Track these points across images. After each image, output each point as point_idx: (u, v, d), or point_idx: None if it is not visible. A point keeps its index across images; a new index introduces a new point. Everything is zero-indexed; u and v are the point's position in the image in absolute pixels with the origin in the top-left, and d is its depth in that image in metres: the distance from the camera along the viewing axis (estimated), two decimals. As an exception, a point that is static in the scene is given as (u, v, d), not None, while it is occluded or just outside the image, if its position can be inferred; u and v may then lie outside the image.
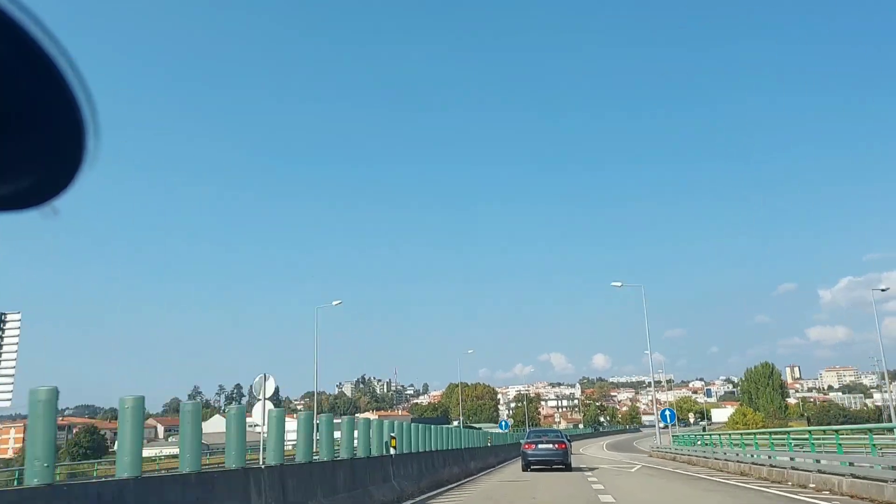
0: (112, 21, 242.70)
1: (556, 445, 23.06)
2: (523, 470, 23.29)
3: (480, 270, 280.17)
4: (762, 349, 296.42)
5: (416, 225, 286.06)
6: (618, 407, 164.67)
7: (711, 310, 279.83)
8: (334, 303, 45.24)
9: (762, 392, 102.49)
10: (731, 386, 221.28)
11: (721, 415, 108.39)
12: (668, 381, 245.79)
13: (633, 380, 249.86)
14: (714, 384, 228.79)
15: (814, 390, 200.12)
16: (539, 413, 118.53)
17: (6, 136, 1.02)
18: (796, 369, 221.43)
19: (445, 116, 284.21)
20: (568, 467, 23.08)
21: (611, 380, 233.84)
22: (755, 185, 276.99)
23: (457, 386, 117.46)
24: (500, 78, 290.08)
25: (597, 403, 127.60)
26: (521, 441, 25.33)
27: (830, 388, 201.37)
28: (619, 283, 42.02)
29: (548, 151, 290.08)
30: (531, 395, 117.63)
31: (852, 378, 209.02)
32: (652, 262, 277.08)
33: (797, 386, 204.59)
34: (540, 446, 23.14)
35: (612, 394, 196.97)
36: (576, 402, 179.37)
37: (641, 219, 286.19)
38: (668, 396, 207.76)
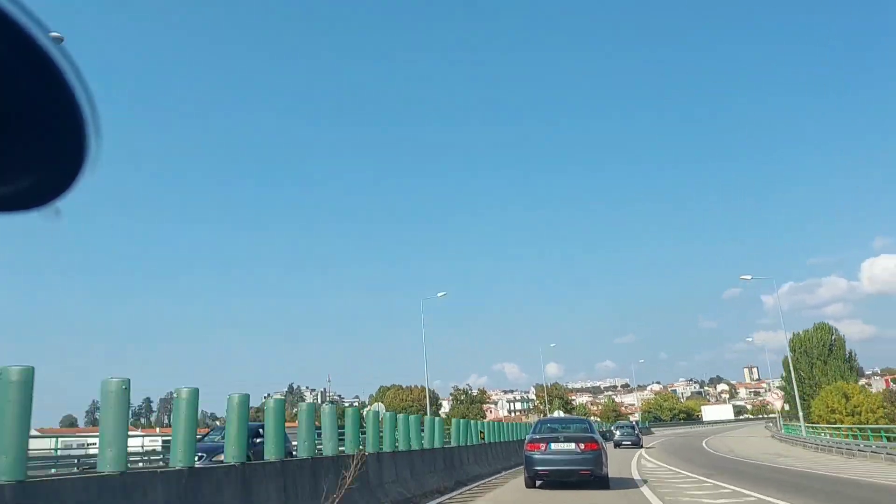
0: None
1: (582, 446, 14.47)
2: (527, 486, 14.86)
3: (441, 280, 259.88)
4: (711, 354, 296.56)
5: (399, 237, 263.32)
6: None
7: (660, 316, 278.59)
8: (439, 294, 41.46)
9: (824, 366, 65.13)
10: (697, 386, 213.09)
11: (714, 413, 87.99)
12: (625, 386, 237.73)
13: (589, 385, 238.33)
14: (675, 385, 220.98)
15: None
16: (485, 418, 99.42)
17: (6, 136, 0.99)
18: (755, 370, 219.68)
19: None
20: (603, 482, 14.29)
21: (566, 385, 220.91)
22: (705, 189, 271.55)
23: (388, 389, 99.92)
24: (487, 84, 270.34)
25: (561, 400, 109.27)
26: (526, 439, 15.85)
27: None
28: (748, 277, 39.24)
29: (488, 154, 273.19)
30: (473, 393, 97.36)
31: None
32: (599, 269, 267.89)
33: (763, 386, 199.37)
34: (553, 446, 14.57)
35: (571, 397, 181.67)
36: (529, 404, 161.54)
37: (594, 227, 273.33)
38: (631, 399, 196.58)
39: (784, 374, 68.71)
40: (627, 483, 16.28)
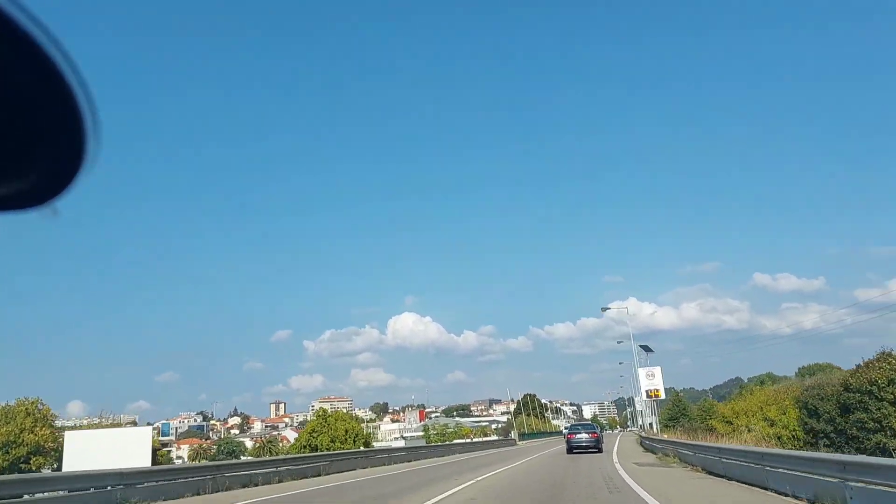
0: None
1: (591, 434, 34.52)
2: (568, 452, 33.30)
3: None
4: (249, 396, 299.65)
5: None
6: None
7: (205, 355, 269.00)
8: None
9: None
10: (200, 418, 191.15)
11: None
12: (132, 423, 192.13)
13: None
14: (174, 420, 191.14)
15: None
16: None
17: (6, 136, 1.00)
18: (282, 406, 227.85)
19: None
20: (600, 451, 33.17)
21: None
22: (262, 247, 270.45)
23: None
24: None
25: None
26: (565, 431, 37.15)
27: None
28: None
29: None
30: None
31: (346, 408, 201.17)
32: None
33: (285, 420, 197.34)
34: (577, 435, 34.61)
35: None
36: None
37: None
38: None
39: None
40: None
